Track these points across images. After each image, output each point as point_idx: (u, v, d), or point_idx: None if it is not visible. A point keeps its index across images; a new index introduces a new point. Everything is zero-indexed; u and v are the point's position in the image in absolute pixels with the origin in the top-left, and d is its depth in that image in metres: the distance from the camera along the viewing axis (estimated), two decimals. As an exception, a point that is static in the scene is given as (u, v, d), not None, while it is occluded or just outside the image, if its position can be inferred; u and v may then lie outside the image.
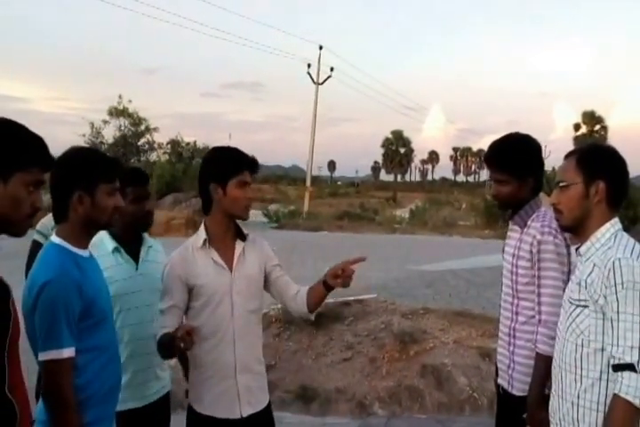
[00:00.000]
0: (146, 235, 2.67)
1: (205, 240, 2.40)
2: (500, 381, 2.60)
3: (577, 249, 2.00)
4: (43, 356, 1.81)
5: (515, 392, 2.47)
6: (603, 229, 1.93)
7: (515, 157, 2.47)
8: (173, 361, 5.60)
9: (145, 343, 2.43)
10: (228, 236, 2.44)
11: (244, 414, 2.39)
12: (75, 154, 2.06)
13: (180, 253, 2.42)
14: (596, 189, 1.93)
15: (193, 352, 2.40)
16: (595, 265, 1.85)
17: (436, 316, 6.23)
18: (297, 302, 2.45)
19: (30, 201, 1.50)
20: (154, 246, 2.66)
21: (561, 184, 1.99)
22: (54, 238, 2.01)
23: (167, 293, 2.37)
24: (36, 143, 1.54)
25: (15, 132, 1.50)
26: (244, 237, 2.46)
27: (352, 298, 6.65)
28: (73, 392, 1.85)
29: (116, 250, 2.52)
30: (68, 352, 1.85)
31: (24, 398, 1.53)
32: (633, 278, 1.75)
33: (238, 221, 2.47)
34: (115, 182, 2.08)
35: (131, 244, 2.57)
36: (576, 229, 2.00)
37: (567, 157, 2.02)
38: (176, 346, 2.06)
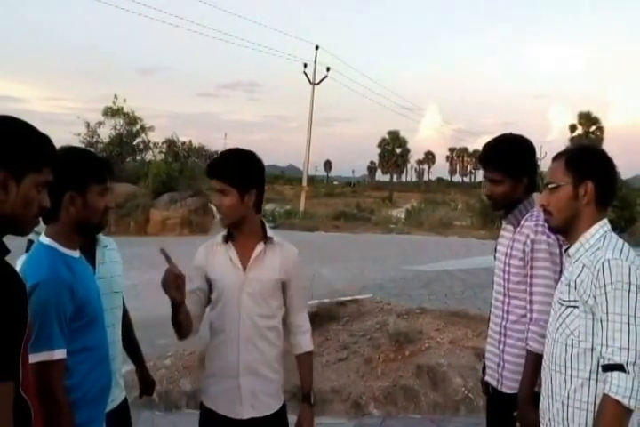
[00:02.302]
0: (99, 234, 2.40)
1: (225, 236, 2.43)
2: (488, 379, 2.62)
3: (566, 250, 2.02)
4: (34, 358, 1.76)
5: (504, 390, 2.49)
6: (592, 229, 1.94)
7: (509, 156, 2.48)
8: (168, 360, 5.62)
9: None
10: (251, 235, 2.42)
11: (246, 417, 2.37)
12: (66, 154, 2.04)
13: (206, 245, 2.49)
14: (584, 190, 1.94)
15: (207, 345, 2.49)
16: (584, 266, 1.86)
17: (431, 316, 6.23)
18: (293, 342, 2.53)
19: (38, 201, 1.51)
20: (109, 245, 2.43)
21: (550, 185, 2.00)
22: (43, 239, 1.99)
23: (190, 279, 2.39)
24: (46, 143, 1.55)
25: (26, 132, 1.50)
26: (267, 239, 2.42)
27: (348, 298, 6.67)
28: (65, 393, 1.84)
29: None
30: (60, 354, 1.84)
31: (34, 398, 1.54)
32: (622, 279, 1.76)
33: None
34: (106, 183, 2.08)
35: (85, 246, 2.27)
36: (565, 229, 2.01)
37: (555, 158, 2.04)
38: (170, 296, 2.11)
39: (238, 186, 2.31)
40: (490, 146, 2.56)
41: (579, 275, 1.86)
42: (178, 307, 2.18)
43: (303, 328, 2.52)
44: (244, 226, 2.39)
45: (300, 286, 2.52)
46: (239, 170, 2.32)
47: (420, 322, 6.01)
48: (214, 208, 2.37)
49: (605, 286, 1.77)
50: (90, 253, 2.30)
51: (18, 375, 1.41)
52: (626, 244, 1.91)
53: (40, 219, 2.02)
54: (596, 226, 1.94)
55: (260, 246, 2.40)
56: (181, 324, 2.25)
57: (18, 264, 2.06)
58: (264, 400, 2.40)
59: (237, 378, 2.36)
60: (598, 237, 1.92)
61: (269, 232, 2.44)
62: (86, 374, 1.96)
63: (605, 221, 1.97)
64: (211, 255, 2.43)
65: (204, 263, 2.43)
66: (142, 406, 4.41)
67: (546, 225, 2.33)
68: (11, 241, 1.50)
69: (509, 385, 2.46)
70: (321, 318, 5.96)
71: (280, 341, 2.46)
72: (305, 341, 2.51)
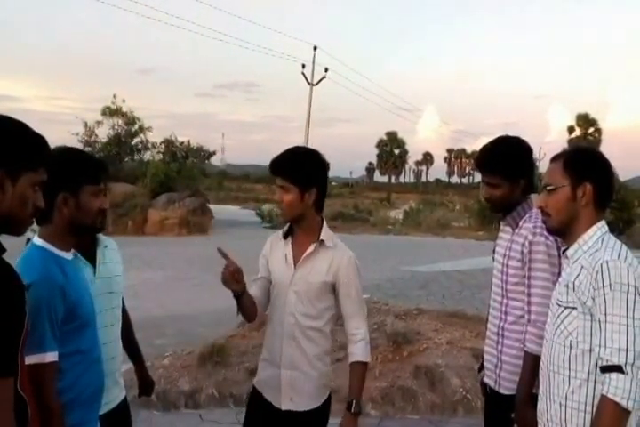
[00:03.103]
0: (99, 234, 2.39)
1: (285, 232, 2.53)
2: (486, 380, 2.63)
3: (564, 251, 2.02)
4: (25, 360, 1.72)
5: (502, 391, 2.50)
6: (590, 231, 1.94)
7: (505, 160, 2.48)
8: (166, 360, 5.62)
9: (107, 348, 2.28)
10: (309, 233, 2.47)
11: (284, 408, 2.44)
12: (59, 154, 2.02)
13: (272, 238, 2.62)
14: (583, 192, 1.94)
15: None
16: (582, 267, 1.87)
17: (429, 317, 6.25)
18: (348, 350, 2.49)
19: (32, 200, 1.50)
20: (109, 246, 2.42)
21: (548, 187, 2.00)
22: (36, 240, 1.98)
23: (259, 266, 2.58)
24: (42, 143, 1.55)
25: (22, 132, 1.50)
26: (320, 240, 2.45)
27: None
28: (56, 396, 1.82)
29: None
30: (52, 356, 1.82)
31: (30, 395, 1.55)
32: (621, 280, 1.77)
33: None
34: (99, 184, 2.06)
35: (85, 246, 2.27)
36: (563, 231, 2.01)
37: (553, 160, 2.04)
38: (231, 290, 2.26)
39: (299, 184, 2.37)
40: (486, 150, 2.56)
41: (577, 276, 1.87)
42: (240, 297, 2.30)
43: (357, 337, 2.45)
44: (302, 223, 2.46)
45: (352, 291, 2.46)
46: (301, 168, 2.38)
47: (417, 323, 6.02)
48: (268, 207, 2.45)
49: (604, 287, 1.78)
50: (90, 253, 2.30)
51: (17, 373, 1.42)
52: (624, 245, 1.91)
53: (34, 220, 2.01)
54: (594, 227, 1.95)
55: (312, 246, 2.44)
56: (246, 311, 2.39)
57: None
58: (303, 397, 2.44)
59: (279, 369, 2.45)
60: (596, 238, 1.93)
61: (323, 234, 2.46)
62: (78, 376, 1.95)
63: (603, 222, 1.98)
64: (273, 248, 2.56)
65: (267, 253, 2.57)
66: (140, 405, 4.40)
67: (544, 227, 2.35)
68: (8, 240, 1.50)
69: (507, 386, 2.47)
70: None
71: (326, 341, 2.48)
72: (356, 350, 2.45)
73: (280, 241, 2.54)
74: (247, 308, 2.38)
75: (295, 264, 2.45)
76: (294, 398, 2.43)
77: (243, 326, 5.99)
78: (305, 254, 2.44)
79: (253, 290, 2.45)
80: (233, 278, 2.21)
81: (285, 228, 2.54)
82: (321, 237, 2.44)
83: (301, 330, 2.42)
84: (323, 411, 2.48)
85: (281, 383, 2.44)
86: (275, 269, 2.51)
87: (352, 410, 2.38)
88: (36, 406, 1.71)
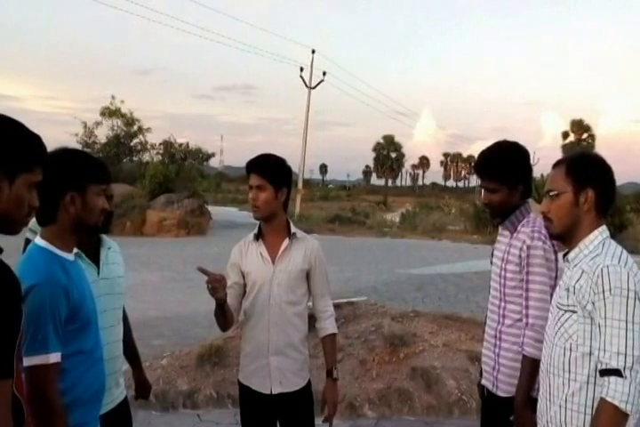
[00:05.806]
0: (103, 235, 2.45)
1: (256, 235, 2.74)
2: (484, 382, 2.65)
3: (564, 255, 2.04)
4: (28, 361, 1.75)
5: (499, 393, 2.52)
6: (591, 236, 1.96)
7: (503, 165, 2.51)
8: (165, 361, 5.64)
9: (109, 349, 2.29)
10: (279, 231, 2.72)
11: (274, 392, 2.67)
12: (64, 155, 2.05)
13: (240, 244, 2.81)
14: (585, 198, 1.96)
15: (242, 328, 2.83)
16: (583, 271, 1.88)
17: (425, 319, 6.26)
18: (317, 326, 2.81)
19: (28, 200, 1.50)
20: (112, 247, 2.46)
21: (551, 193, 2.01)
22: (39, 241, 1.97)
23: (229, 274, 2.71)
24: (38, 143, 1.54)
25: (19, 132, 1.49)
26: (291, 235, 2.71)
27: (343, 300, 6.69)
28: (59, 397, 1.83)
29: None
30: (55, 357, 1.82)
31: (27, 397, 1.55)
32: (620, 285, 1.78)
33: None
34: (102, 183, 2.09)
35: (89, 246, 2.31)
36: (565, 236, 2.03)
37: (556, 165, 2.05)
38: (219, 298, 2.38)
39: (274, 182, 2.64)
40: (484, 155, 2.58)
41: (578, 280, 1.89)
42: (223, 305, 2.46)
43: (327, 313, 2.79)
44: (273, 221, 2.71)
45: (322, 274, 2.77)
46: (276, 168, 2.68)
47: (414, 325, 6.03)
48: (251, 202, 2.69)
49: (604, 291, 1.79)
50: (94, 254, 2.33)
51: (13, 374, 1.41)
52: (624, 250, 1.93)
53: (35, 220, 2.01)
54: (596, 232, 1.97)
55: (285, 242, 2.70)
56: (227, 319, 2.57)
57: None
58: (290, 378, 2.69)
59: (267, 358, 2.67)
60: (597, 243, 1.95)
61: (293, 228, 2.74)
62: (80, 376, 1.95)
63: (604, 227, 2.00)
64: (244, 252, 2.75)
65: (239, 260, 2.74)
66: (138, 406, 4.42)
67: (542, 231, 2.36)
68: (9, 241, 1.52)
69: (504, 389, 2.50)
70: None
71: (305, 326, 2.75)
72: (328, 325, 2.79)
73: (251, 244, 2.74)
74: (229, 316, 2.56)
75: (273, 260, 2.68)
76: (283, 381, 2.67)
77: (241, 327, 6.03)
78: (282, 249, 2.69)
79: (228, 299, 2.52)
80: (221, 285, 2.34)
81: (255, 230, 2.75)
82: (292, 231, 2.71)
83: (286, 318, 2.66)
84: (308, 389, 2.76)
85: (270, 370, 2.66)
86: (252, 269, 2.69)
87: (333, 376, 2.74)
88: (34, 407, 1.70)
